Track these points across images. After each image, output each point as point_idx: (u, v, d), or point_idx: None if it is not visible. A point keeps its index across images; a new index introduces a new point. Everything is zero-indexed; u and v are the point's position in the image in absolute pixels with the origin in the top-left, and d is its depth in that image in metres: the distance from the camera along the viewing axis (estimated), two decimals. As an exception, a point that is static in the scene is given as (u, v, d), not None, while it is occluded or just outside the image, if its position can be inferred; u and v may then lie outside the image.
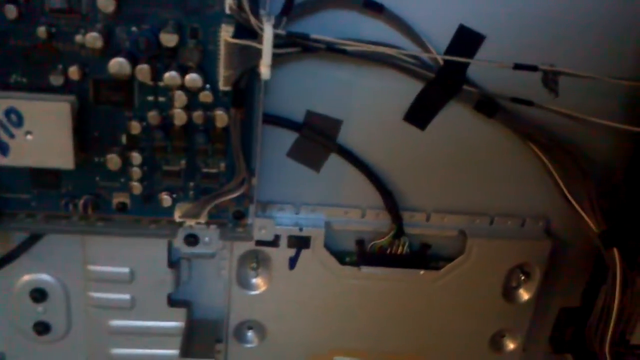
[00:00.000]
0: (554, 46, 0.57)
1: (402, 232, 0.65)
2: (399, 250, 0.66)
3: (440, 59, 0.56)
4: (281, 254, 0.65)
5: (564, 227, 0.67)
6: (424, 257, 0.67)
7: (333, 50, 0.54)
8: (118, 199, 0.57)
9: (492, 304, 0.69)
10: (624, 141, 0.62)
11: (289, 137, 0.61)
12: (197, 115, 0.53)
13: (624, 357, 0.64)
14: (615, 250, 0.59)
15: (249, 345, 0.70)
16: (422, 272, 0.67)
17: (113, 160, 0.54)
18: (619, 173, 0.64)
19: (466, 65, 0.57)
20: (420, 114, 0.60)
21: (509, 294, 0.69)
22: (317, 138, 0.60)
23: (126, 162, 0.55)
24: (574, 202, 0.61)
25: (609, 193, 0.63)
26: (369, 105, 0.60)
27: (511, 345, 0.73)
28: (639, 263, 0.60)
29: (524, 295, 0.69)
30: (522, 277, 0.69)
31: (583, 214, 0.60)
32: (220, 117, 0.53)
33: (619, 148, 0.63)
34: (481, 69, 0.58)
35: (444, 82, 0.58)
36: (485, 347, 0.72)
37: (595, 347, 0.63)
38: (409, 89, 0.59)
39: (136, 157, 0.55)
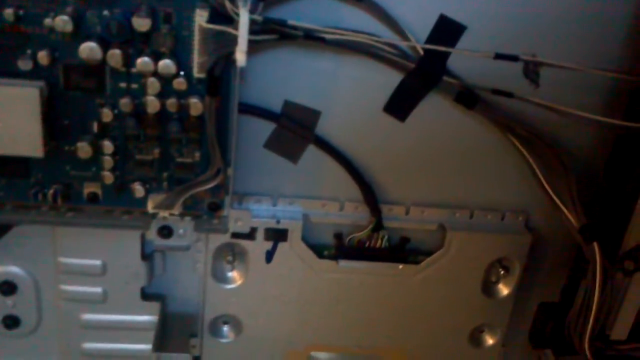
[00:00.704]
0: (536, 37, 0.57)
1: (381, 225, 0.64)
2: (378, 244, 0.65)
3: (420, 48, 0.55)
4: (258, 247, 0.63)
5: (544, 222, 0.67)
6: (403, 251, 0.66)
7: (311, 38, 0.53)
8: (89, 189, 0.55)
9: (471, 299, 0.68)
10: (605, 135, 0.62)
11: (266, 128, 0.60)
12: (171, 103, 0.52)
13: (603, 352, 0.64)
14: (596, 245, 0.58)
15: (224, 340, 0.68)
16: (401, 266, 0.66)
17: (84, 149, 0.53)
18: (599, 167, 0.63)
19: (447, 55, 0.56)
20: (400, 105, 0.59)
21: (488, 288, 0.69)
22: (295, 129, 0.59)
23: (97, 151, 0.54)
24: (554, 196, 0.60)
25: (589, 187, 0.62)
26: (348, 95, 0.59)
27: (490, 341, 0.72)
28: (619, 258, 0.60)
29: (504, 290, 0.69)
30: (502, 272, 0.68)
31: (563, 208, 0.60)
32: (195, 105, 0.52)
33: (600, 142, 0.63)
34: (462, 59, 0.57)
35: (424, 73, 0.57)
36: (465, 342, 0.71)
37: (574, 342, 0.63)
38: (389, 80, 0.58)
39: (108, 145, 0.53)
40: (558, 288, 0.70)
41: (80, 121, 0.53)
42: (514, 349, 0.74)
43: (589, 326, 0.60)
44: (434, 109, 0.60)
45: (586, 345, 0.62)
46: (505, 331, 0.71)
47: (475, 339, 0.72)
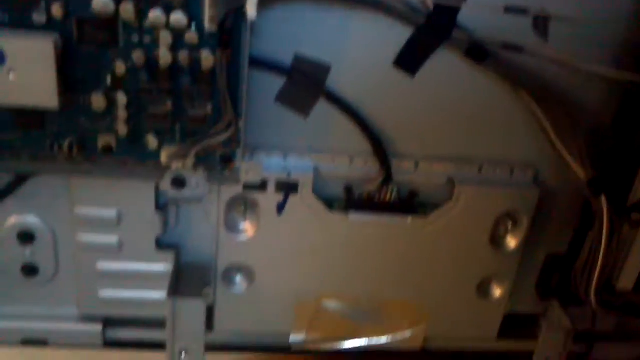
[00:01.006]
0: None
1: (390, 178, 0.65)
2: (387, 197, 0.66)
3: (430, 2, 0.55)
4: (269, 199, 0.64)
5: (553, 175, 0.67)
6: (412, 204, 0.67)
7: (321, -8, 0.53)
8: (104, 140, 0.56)
9: (479, 251, 0.69)
10: (615, 90, 0.62)
11: (277, 82, 0.60)
12: (183, 56, 0.52)
13: (609, 303, 0.65)
14: (603, 197, 0.59)
15: (237, 289, 0.70)
16: (410, 218, 0.67)
17: (98, 101, 0.54)
18: (608, 121, 0.63)
19: (457, 9, 0.56)
20: (410, 59, 0.60)
21: (496, 241, 0.70)
22: (306, 83, 0.60)
23: (111, 104, 0.55)
24: (562, 150, 0.61)
25: (597, 141, 0.63)
26: (358, 50, 0.59)
27: (498, 292, 0.73)
28: (626, 210, 0.60)
29: (512, 242, 0.70)
30: (510, 225, 0.69)
31: (572, 161, 0.60)
32: (206, 58, 0.52)
33: (610, 97, 0.63)
34: (472, 14, 0.57)
35: (434, 27, 0.57)
36: (473, 293, 0.72)
37: (581, 292, 0.64)
38: (399, 35, 0.58)
39: (121, 98, 0.54)
40: (565, 241, 0.71)
41: (94, 74, 0.53)
42: (521, 300, 0.75)
43: (595, 277, 0.61)
44: (444, 63, 0.60)
45: (592, 295, 0.63)
46: (513, 283, 0.72)
47: (483, 290, 0.73)
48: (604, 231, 0.60)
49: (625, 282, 0.65)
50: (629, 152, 0.61)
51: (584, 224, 0.66)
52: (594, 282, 0.62)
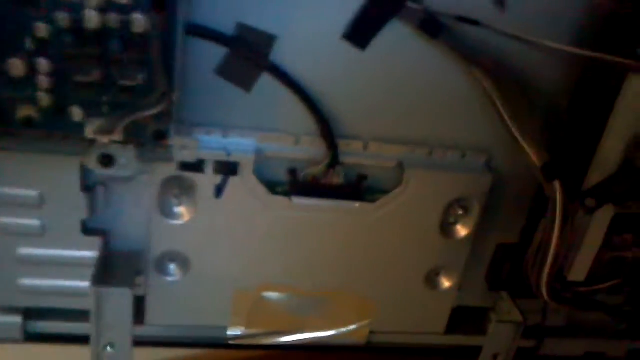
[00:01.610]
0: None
1: (337, 161, 0.61)
2: (334, 181, 0.63)
3: (383, -32, 0.52)
4: (207, 181, 0.60)
5: (506, 161, 0.65)
6: (359, 188, 0.64)
7: (266, -47, 0.50)
8: (23, 111, 0.51)
9: (429, 240, 0.67)
10: (571, 70, 0.60)
11: (217, 53, 0.56)
12: (112, 18, 0.48)
13: (561, 293, 0.63)
14: (557, 183, 0.57)
15: (171, 279, 0.65)
16: (357, 204, 0.64)
17: (16, 66, 0.48)
18: (563, 104, 0.61)
19: (411, -22, 0.53)
20: (361, 32, 0.56)
21: (446, 229, 0.67)
22: (249, 55, 0.56)
23: (32, 70, 0.49)
24: (516, 133, 0.58)
25: (552, 125, 0.61)
26: (306, 20, 0.55)
27: (447, 283, 0.71)
28: (580, 195, 0.58)
29: (462, 230, 0.67)
30: (460, 212, 0.66)
31: (525, 145, 0.58)
32: (138, 21, 0.48)
33: (566, 78, 0.60)
34: (427, -17, 0.54)
35: (387, -3, 0.54)
36: (421, 284, 0.70)
37: (532, 283, 0.62)
38: (350, 4, 0.55)
39: (43, 64, 0.49)
40: (518, 230, 0.69)
41: (12, 36, 0.48)
42: (470, 292, 0.73)
43: (547, 267, 0.60)
44: (396, 37, 0.57)
45: (543, 286, 0.61)
46: (462, 273, 0.70)
47: (431, 281, 0.70)
48: (557, 218, 0.58)
49: (577, 274, 0.64)
50: (584, 136, 0.59)
51: (537, 212, 0.64)
52: (546, 273, 0.60)
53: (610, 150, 0.57)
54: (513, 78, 0.57)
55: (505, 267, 0.70)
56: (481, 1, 0.55)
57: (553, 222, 0.57)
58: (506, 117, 0.59)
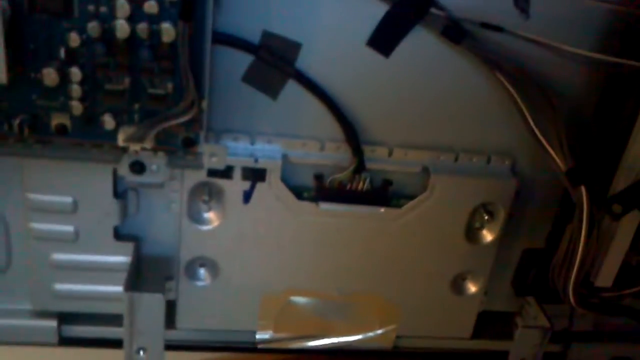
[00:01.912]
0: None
1: (363, 167, 0.62)
2: (360, 186, 0.63)
3: (406, -24, 0.53)
4: (235, 187, 0.61)
5: (531, 166, 0.65)
6: (385, 194, 0.64)
7: (292, -37, 0.51)
8: (57, 119, 0.53)
9: (454, 245, 0.67)
10: (597, 75, 0.60)
11: (244, 60, 0.57)
12: (142, 28, 0.49)
13: (588, 299, 0.63)
14: (583, 188, 0.57)
15: (200, 283, 0.66)
16: (382, 209, 0.64)
17: (50, 76, 0.50)
18: (589, 109, 0.61)
19: (434, -15, 0.54)
20: (384, 39, 0.57)
21: (471, 234, 0.67)
22: (275, 62, 0.57)
23: (65, 79, 0.51)
24: (541, 138, 0.58)
25: (578, 129, 0.60)
26: (330, 28, 0.56)
27: (473, 288, 0.71)
28: (607, 201, 0.58)
29: (487, 236, 0.67)
30: (486, 217, 0.66)
31: (551, 150, 0.58)
32: (167, 30, 0.49)
33: (591, 82, 0.61)
34: (450, -10, 0.54)
35: (410, 5, 0.55)
36: (447, 289, 0.70)
37: (558, 289, 0.62)
38: (374, 12, 0.56)
39: (76, 73, 0.51)
40: (543, 235, 0.68)
41: (47, 46, 0.50)
42: (496, 297, 0.73)
43: (574, 272, 0.59)
44: (419, 44, 0.57)
45: (570, 292, 0.60)
46: (488, 278, 0.70)
47: (457, 286, 0.71)
48: (584, 223, 0.57)
49: (604, 279, 0.63)
50: (610, 141, 0.59)
51: (563, 217, 0.64)
52: (572, 279, 0.60)
53: (637, 156, 0.57)
54: (537, 83, 0.57)
55: (531, 272, 0.70)
56: (504, 7, 0.55)
57: (579, 228, 0.57)
58: (531, 122, 0.59)
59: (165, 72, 0.51)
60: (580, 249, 0.58)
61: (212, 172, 0.60)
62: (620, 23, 0.56)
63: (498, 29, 0.55)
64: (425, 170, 0.63)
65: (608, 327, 0.78)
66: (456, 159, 0.63)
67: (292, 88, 0.58)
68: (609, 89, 0.60)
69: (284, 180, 0.62)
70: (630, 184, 0.58)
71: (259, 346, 0.71)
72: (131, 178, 0.57)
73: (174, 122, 0.53)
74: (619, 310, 0.67)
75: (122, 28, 0.49)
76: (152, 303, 0.60)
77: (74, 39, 0.49)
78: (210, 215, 0.63)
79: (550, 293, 0.64)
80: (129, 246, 0.63)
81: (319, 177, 0.63)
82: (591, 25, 0.57)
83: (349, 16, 0.56)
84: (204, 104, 0.53)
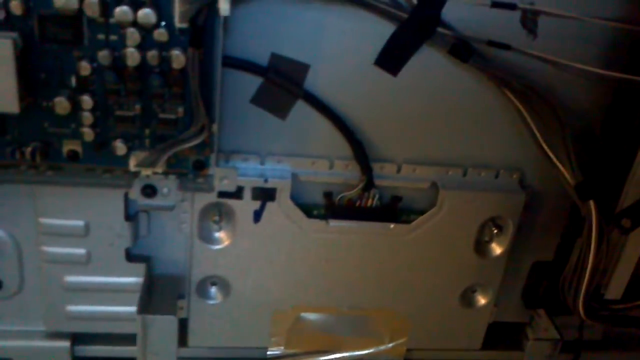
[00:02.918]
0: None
1: (372, 184, 0.62)
2: (369, 203, 0.64)
3: (413, -4, 0.53)
4: (245, 207, 0.61)
5: (539, 179, 0.65)
6: (394, 210, 0.65)
7: (299, -14, 0.51)
8: (69, 146, 0.53)
9: (463, 258, 0.67)
10: (604, 90, 0.60)
11: (252, 82, 0.57)
12: (152, 55, 0.49)
13: (598, 312, 0.63)
14: (592, 203, 0.57)
15: (212, 302, 0.67)
16: (392, 225, 0.64)
17: (61, 104, 0.50)
18: (596, 123, 0.61)
19: (441, 4, 0.54)
20: (392, 58, 0.57)
21: (481, 248, 0.67)
22: (283, 83, 0.57)
23: (76, 107, 0.51)
24: (550, 153, 0.59)
25: (586, 144, 0.61)
26: (338, 48, 0.57)
27: (482, 301, 0.71)
28: (615, 215, 0.58)
29: (497, 249, 0.67)
30: (495, 231, 0.67)
31: (559, 165, 0.58)
32: (177, 57, 0.49)
33: (598, 97, 0.61)
34: (457, 9, 0.54)
35: (417, 24, 0.55)
36: (456, 302, 0.70)
37: (568, 301, 0.62)
38: (381, 31, 0.56)
39: (87, 100, 0.51)
40: (552, 248, 0.69)
41: (58, 75, 0.50)
42: (506, 308, 0.73)
43: (584, 285, 0.59)
44: (427, 62, 0.58)
45: (580, 305, 0.61)
46: (498, 291, 0.70)
47: (467, 299, 0.71)
48: (593, 238, 0.58)
49: (614, 291, 0.63)
50: (618, 155, 0.59)
51: (572, 230, 0.64)
52: (582, 291, 0.60)
53: (645, 171, 0.57)
54: (545, 99, 0.57)
55: (541, 284, 0.70)
56: (512, 25, 0.55)
57: (589, 241, 0.57)
58: (539, 138, 0.59)
59: (176, 98, 0.52)
60: (590, 262, 0.58)
61: (223, 193, 0.60)
62: (626, 38, 0.57)
63: (505, 46, 0.55)
64: (434, 186, 0.64)
65: (617, 336, 0.78)
66: (465, 174, 0.64)
67: (300, 108, 0.59)
68: (616, 103, 0.60)
69: (294, 198, 0.62)
70: (639, 198, 0.58)
71: (271, 362, 0.71)
72: (143, 201, 0.57)
73: (185, 146, 0.53)
74: (628, 321, 0.67)
75: (132, 56, 0.49)
76: (165, 325, 0.60)
77: (85, 68, 0.50)
78: (220, 235, 0.64)
79: (560, 305, 0.64)
80: (141, 267, 0.63)
81: (328, 195, 0.63)
82: (597, 41, 0.57)
83: (356, 36, 0.56)
84: (215, 127, 0.54)
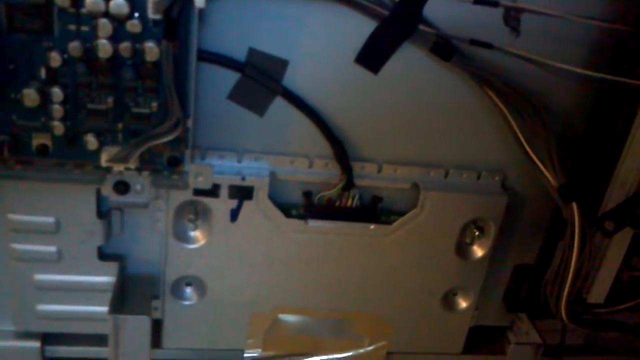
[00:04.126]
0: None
1: (352, 183, 0.61)
2: (349, 203, 0.63)
3: (394, -7, 0.52)
4: (222, 205, 0.60)
5: (521, 181, 0.64)
6: (374, 210, 0.63)
7: (277, -21, 0.50)
8: (38, 140, 0.52)
9: (445, 261, 0.66)
10: (587, 91, 0.59)
11: (230, 78, 0.56)
12: (125, 47, 0.48)
13: (580, 316, 0.62)
14: (575, 205, 0.56)
15: (187, 302, 0.65)
16: (372, 226, 0.63)
17: (30, 96, 0.49)
18: (579, 125, 0.61)
19: (423, 2, 0.53)
20: (373, 56, 0.56)
21: (462, 250, 0.66)
22: (261, 79, 0.56)
23: (46, 99, 0.50)
24: (532, 154, 0.58)
25: (568, 146, 0.60)
26: (317, 45, 0.55)
27: (463, 304, 0.70)
28: (598, 218, 0.57)
29: (478, 251, 0.67)
30: (477, 233, 0.66)
31: (541, 166, 0.58)
32: (151, 50, 0.48)
33: (582, 98, 0.60)
34: (439, 6, 0.53)
35: (398, 21, 0.54)
36: (437, 305, 0.69)
37: (551, 305, 0.61)
38: (362, 28, 0.55)
39: (57, 93, 0.49)
40: (534, 250, 0.68)
41: (27, 66, 0.49)
42: (487, 312, 0.72)
43: (566, 289, 0.59)
44: (408, 60, 0.57)
45: (563, 308, 0.60)
46: (479, 294, 0.69)
47: (448, 302, 0.70)
48: (576, 241, 0.57)
49: (596, 295, 0.63)
50: (602, 157, 0.58)
51: (554, 233, 0.64)
52: (565, 295, 0.59)
53: (628, 173, 0.56)
54: (527, 99, 0.57)
55: (523, 288, 0.69)
56: (494, 23, 0.54)
57: (571, 244, 0.56)
58: (521, 138, 0.58)
59: (150, 91, 0.51)
60: (572, 265, 0.58)
61: (199, 191, 0.59)
62: (611, 38, 0.56)
63: (487, 45, 0.54)
64: (415, 187, 0.63)
65: (599, 341, 0.77)
66: (446, 175, 0.63)
67: (279, 105, 0.57)
68: (600, 105, 0.59)
69: (272, 197, 0.61)
70: (622, 200, 0.57)
71: (247, 365, 0.70)
72: (115, 198, 0.56)
73: (158, 141, 0.51)
74: (611, 325, 0.66)
75: (104, 48, 0.48)
76: (137, 325, 0.59)
77: (55, 59, 0.48)
78: (196, 234, 0.62)
79: (542, 309, 0.64)
80: (114, 266, 0.62)
81: (307, 195, 0.62)
82: (581, 41, 0.57)
83: (336, 32, 0.55)
84: (190, 122, 0.52)
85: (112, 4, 0.46)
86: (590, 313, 0.63)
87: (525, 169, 0.61)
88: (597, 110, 0.59)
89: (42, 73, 0.49)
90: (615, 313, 0.65)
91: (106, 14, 0.47)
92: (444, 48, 0.55)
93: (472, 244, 0.67)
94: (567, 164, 0.58)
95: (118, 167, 0.53)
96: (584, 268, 0.58)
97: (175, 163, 0.54)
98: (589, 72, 0.55)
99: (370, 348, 0.71)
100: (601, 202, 0.58)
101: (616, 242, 0.59)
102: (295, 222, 0.62)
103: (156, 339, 0.66)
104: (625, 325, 0.68)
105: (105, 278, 0.62)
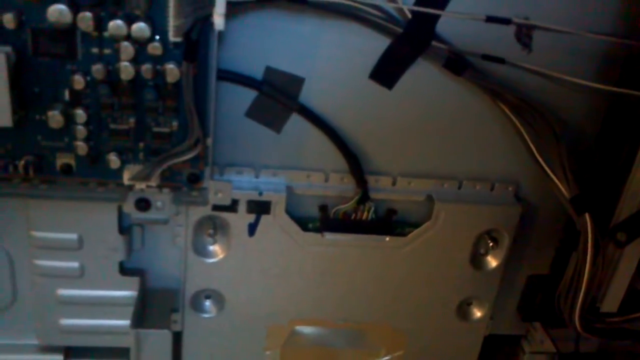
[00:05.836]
0: (529, 0, 0.54)
1: (367, 197, 0.62)
2: (364, 216, 0.63)
3: (408, 11, 0.53)
4: (240, 220, 0.61)
5: (534, 192, 0.65)
6: (389, 223, 0.64)
7: (293, 0, 0.51)
8: (62, 159, 0.53)
9: (459, 271, 0.67)
10: (598, 104, 0.60)
11: (247, 96, 0.57)
12: (146, 69, 0.49)
13: (594, 325, 0.63)
14: (587, 216, 0.57)
15: (206, 315, 0.66)
16: (387, 238, 0.64)
17: (55, 118, 0.50)
18: (591, 136, 0.61)
19: (436, 18, 0.54)
20: (387, 71, 0.57)
21: (476, 260, 0.67)
22: (278, 97, 0.57)
23: (70, 120, 0.51)
24: (545, 166, 0.59)
25: (580, 157, 0.61)
26: (332, 62, 0.57)
27: (478, 313, 0.71)
28: (611, 229, 0.58)
29: (492, 262, 0.67)
30: (491, 244, 0.66)
31: (554, 178, 0.58)
32: (171, 71, 0.49)
33: (593, 111, 0.61)
34: (452, 23, 0.55)
35: (412, 38, 0.55)
36: (452, 315, 0.70)
37: (564, 314, 0.62)
38: (376, 45, 0.56)
39: (80, 114, 0.51)
40: (548, 260, 0.69)
41: (51, 89, 0.50)
42: (502, 321, 0.73)
43: (580, 298, 0.59)
44: (422, 75, 0.58)
45: (576, 318, 0.60)
46: (494, 304, 0.70)
47: (463, 312, 0.71)
48: (589, 251, 0.57)
49: (610, 304, 0.63)
50: (614, 169, 0.59)
51: (567, 243, 0.64)
52: (578, 304, 0.60)
53: (640, 184, 0.57)
54: (539, 112, 0.57)
55: (537, 297, 0.70)
56: (506, 39, 0.55)
57: (584, 255, 0.57)
58: (534, 151, 0.59)
59: (170, 111, 0.52)
60: (586, 276, 0.58)
61: (217, 207, 0.60)
62: (620, 52, 0.57)
63: (499, 60, 0.55)
64: (430, 199, 0.63)
65: (613, 348, 0.78)
66: (460, 187, 0.64)
67: (295, 121, 0.59)
68: (611, 116, 0.60)
69: (289, 212, 0.62)
70: (634, 211, 0.58)
71: (266, 376, 0.71)
72: (136, 215, 0.57)
73: (179, 160, 0.53)
74: (624, 334, 0.67)
75: (126, 70, 0.49)
76: (159, 339, 0.60)
77: (78, 81, 0.50)
78: (215, 248, 0.63)
79: (556, 318, 0.64)
80: (135, 280, 0.63)
81: (323, 208, 0.63)
82: (592, 55, 0.57)
83: (351, 50, 0.56)
84: (209, 140, 0.54)
85: (134, 27, 0.47)
86: (604, 322, 0.64)
87: (539, 179, 0.61)
88: (608, 122, 0.60)
89: (66, 95, 0.50)
90: (629, 322, 0.65)
91: (128, 38, 0.48)
92: (456, 63, 0.56)
93: (486, 254, 0.67)
94: (580, 175, 0.58)
95: (139, 185, 0.54)
96: (597, 278, 0.59)
97: (195, 180, 0.55)
98: (600, 85, 0.56)
99: (387, 358, 0.72)
100: (614, 213, 0.59)
101: (629, 252, 0.60)
102: (312, 236, 0.63)
103: (176, 351, 0.66)
104: (638, 333, 0.68)
105: (126, 292, 0.63)
